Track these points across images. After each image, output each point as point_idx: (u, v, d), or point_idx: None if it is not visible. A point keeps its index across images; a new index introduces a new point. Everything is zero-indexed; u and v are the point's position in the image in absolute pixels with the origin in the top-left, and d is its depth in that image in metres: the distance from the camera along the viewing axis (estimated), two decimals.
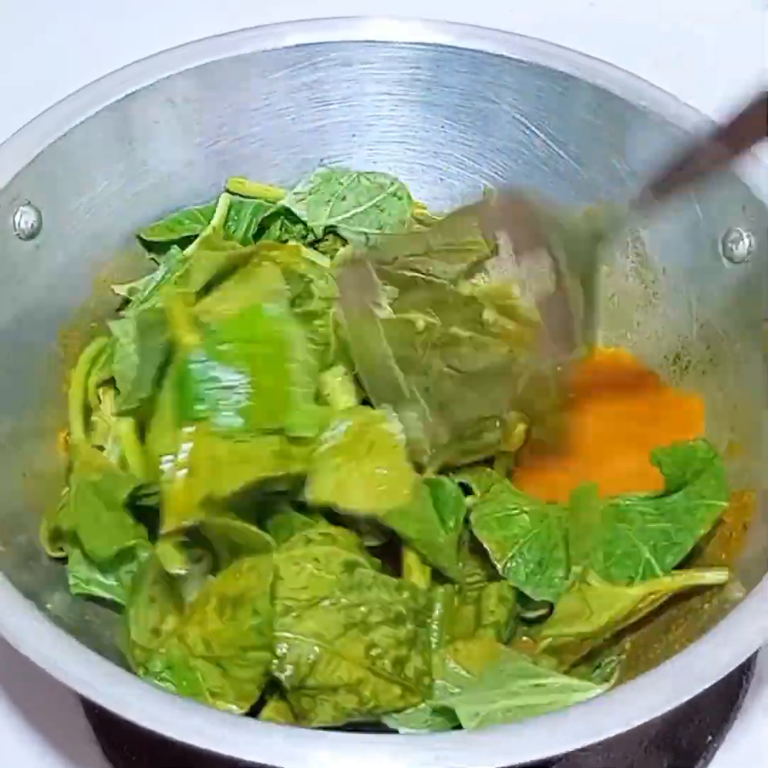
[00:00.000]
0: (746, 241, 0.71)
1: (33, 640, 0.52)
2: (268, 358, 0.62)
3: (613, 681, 0.60)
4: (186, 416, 0.60)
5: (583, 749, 0.49)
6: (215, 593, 0.58)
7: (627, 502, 0.67)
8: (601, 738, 0.49)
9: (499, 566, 0.64)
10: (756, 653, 0.55)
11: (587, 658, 0.64)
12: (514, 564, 0.64)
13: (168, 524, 0.58)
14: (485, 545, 0.64)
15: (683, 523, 0.65)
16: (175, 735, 0.48)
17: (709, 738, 0.69)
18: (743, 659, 0.53)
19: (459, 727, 0.55)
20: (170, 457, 0.59)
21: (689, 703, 0.51)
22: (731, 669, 0.52)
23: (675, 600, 0.64)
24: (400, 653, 0.59)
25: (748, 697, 0.71)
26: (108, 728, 0.67)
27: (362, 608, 0.58)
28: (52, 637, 0.53)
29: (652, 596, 0.62)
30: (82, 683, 0.51)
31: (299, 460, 0.61)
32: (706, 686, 0.51)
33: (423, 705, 0.58)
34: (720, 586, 0.62)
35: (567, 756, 0.49)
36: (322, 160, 0.84)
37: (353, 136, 0.84)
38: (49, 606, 0.57)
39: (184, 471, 0.58)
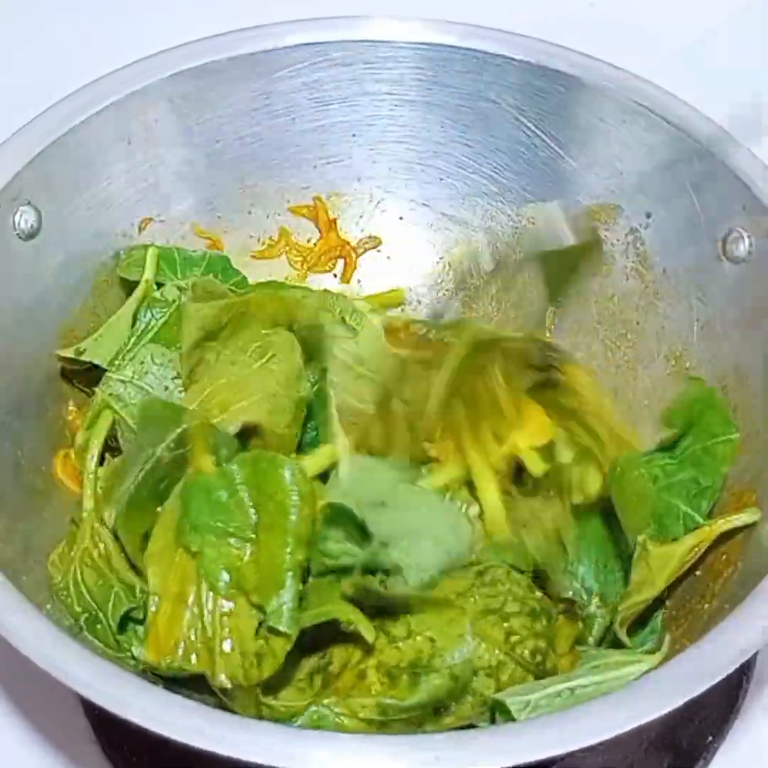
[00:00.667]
0: (746, 241, 0.71)
1: (33, 640, 0.52)
2: (274, 522, 0.60)
3: (664, 648, 0.60)
4: (180, 541, 0.60)
5: (583, 749, 0.49)
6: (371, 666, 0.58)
7: (644, 459, 0.68)
8: (602, 738, 0.49)
9: None
10: (756, 653, 0.55)
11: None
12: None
13: (148, 656, 0.58)
14: None
15: (706, 466, 0.67)
16: (175, 735, 0.48)
17: (709, 738, 0.69)
18: (743, 659, 0.53)
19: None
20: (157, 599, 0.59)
21: (689, 703, 0.51)
22: (731, 669, 0.52)
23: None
24: (538, 644, 0.60)
25: (748, 697, 0.71)
26: (108, 728, 0.68)
27: (499, 597, 0.60)
28: (52, 637, 0.53)
29: (697, 548, 0.64)
30: (82, 683, 0.51)
31: (275, 654, 0.58)
32: (706, 686, 0.51)
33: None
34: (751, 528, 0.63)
35: (567, 756, 0.49)
36: (322, 159, 0.84)
37: (353, 136, 0.84)
38: (49, 606, 0.57)
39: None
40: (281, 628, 0.57)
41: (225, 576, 0.59)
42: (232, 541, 0.59)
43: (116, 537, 0.64)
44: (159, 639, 0.59)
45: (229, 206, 0.83)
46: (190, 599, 0.59)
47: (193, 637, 0.58)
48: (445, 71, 0.80)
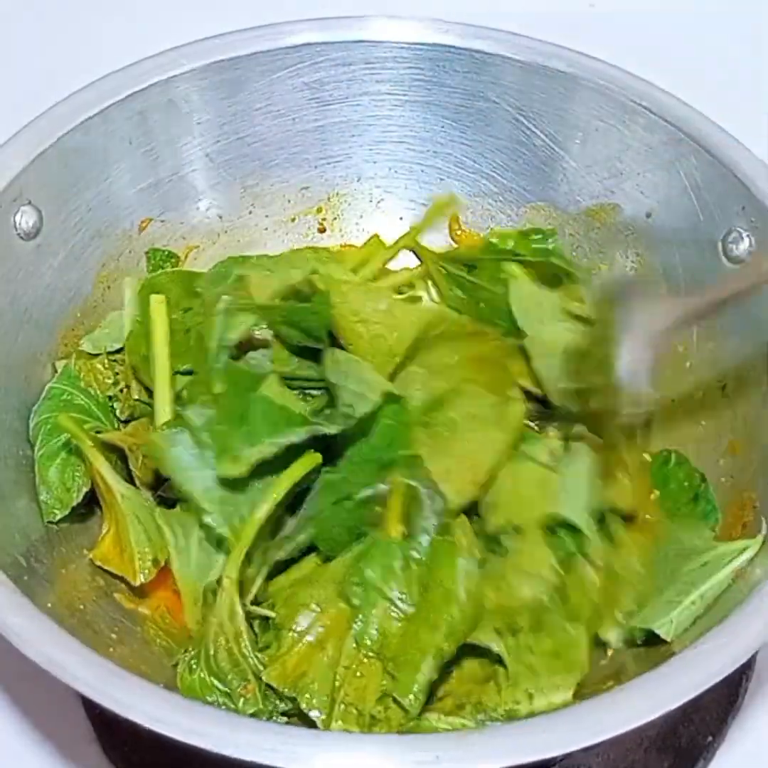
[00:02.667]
0: (746, 241, 0.71)
1: (33, 640, 0.52)
2: (435, 607, 0.61)
3: (764, 531, 0.63)
4: (344, 590, 0.61)
5: (583, 749, 0.49)
6: None
7: None
8: (602, 738, 0.49)
9: None
10: (756, 653, 0.55)
11: None
12: None
13: (270, 676, 0.60)
14: None
15: None
16: (175, 735, 0.48)
17: (709, 738, 0.69)
18: (743, 659, 0.53)
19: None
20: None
21: (689, 703, 0.51)
22: (731, 669, 0.52)
23: None
24: None
25: (748, 697, 0.71)
26: (108, 728, 0.68)
27: None
28: (52, 637, 0.53)
29: None
30: (82, 683, 0.51)
31: (390, 724, 0.60)
32: (706, 686, 0.51)
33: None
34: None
35: (567, 756, 0.49)
36: (322, 159, 0.84)
37: (353, 136, 0.84)
38: (49, 606, 0.57)
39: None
40: (406, 706, 0.58)
41: (374, 636, 0.60)
42: (389, 607, 0.61)
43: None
44: (286, 667, 0.60)
45: (230, 205, 0.83)
46: (330, 645, 0.60)
47: (318, 680, 0.60)
48: (444, 71, 0.81)
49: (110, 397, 0.73)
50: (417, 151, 0.85)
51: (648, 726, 0.50)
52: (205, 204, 0.82)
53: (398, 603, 0.61)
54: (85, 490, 0.68)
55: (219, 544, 0.64)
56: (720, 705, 0.70)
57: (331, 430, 0.64)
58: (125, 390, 0.73)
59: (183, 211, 0.81)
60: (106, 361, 0.74)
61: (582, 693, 0.60)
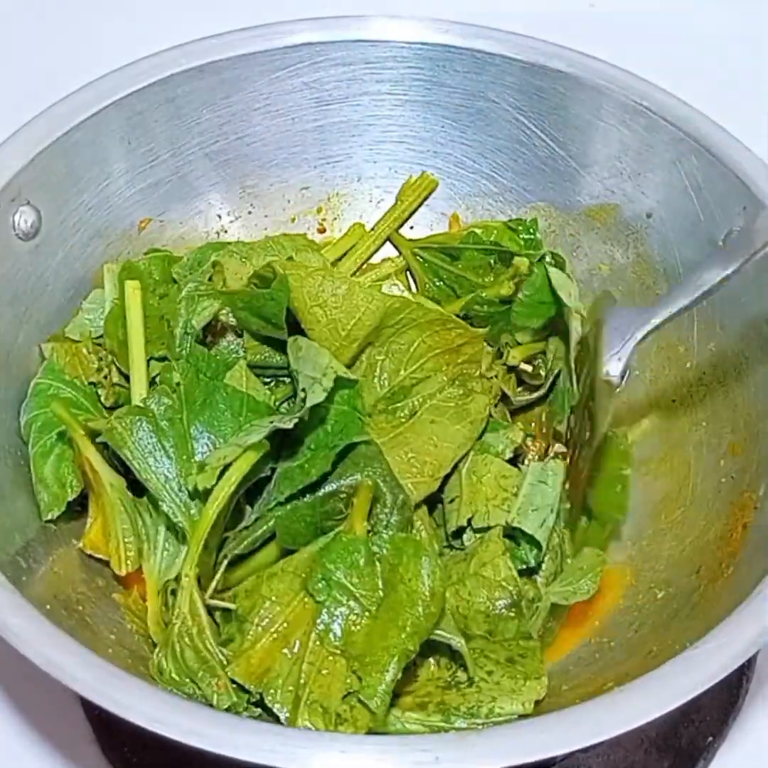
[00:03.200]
0: None
1: (33, 640, 0.52)
2: (399, 605, 0.60)
3: None
4: (309, 585, 0.61)
5: (583, 750, 0.49)
6: None
7: None
8: (601, 738, 0.49)
9: None
10: (756, 653, 0.55)
11: None
12: None
13: (235, 672, 0.59)
14: None
15: None
16: (175, 736, 0.48)
17: (709, 738, 0.69)
18: (743, 660, 0.53)
19: None
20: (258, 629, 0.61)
21: (689, 703, 0.51)
22: (731, 669, 0.52)
23: None
24: None
25: (748, 697, 0.71)
26: (108, 728, 0.68)
27: None
28: (52, 637, 0.53)
29: None
30: (82, 683, 0.51)
31: (356, 725, 0.60)
32: (706, 686, 0.51)
33: None
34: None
35: (567, 756, 0.49)
36: (322, 159, 0.84)
37: (353, 136, 0.84)
38: (48, 607, 0.57)
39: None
40: (372, 707, 0.58)
41: (338, 633, 0.60)
42: (353, 605, 0.61)
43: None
44: (251, 663, 0.60)
45: (229, 205, 0.83)
46: (295, 642, 0.60)
47: (283, 676, 0.59)
48: (445, 71, 0.80)
49: (94, 384, 0.73)
50: (417, 151, 0.85)
51: (648, 726, 0.50)
52: (204, 204, 0.82)
53: (362, 600, 0.60)
54: (79, 487, 0.67)
55: (182, 537, 0.64)
56: (720, 705, 0.70)
57: (287, 425, 0.62)
58: (108, 376, 0.73)
59: (182, 211, 0.81)
60: (89, 345, 0.73)
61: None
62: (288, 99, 0.81)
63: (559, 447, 0.71)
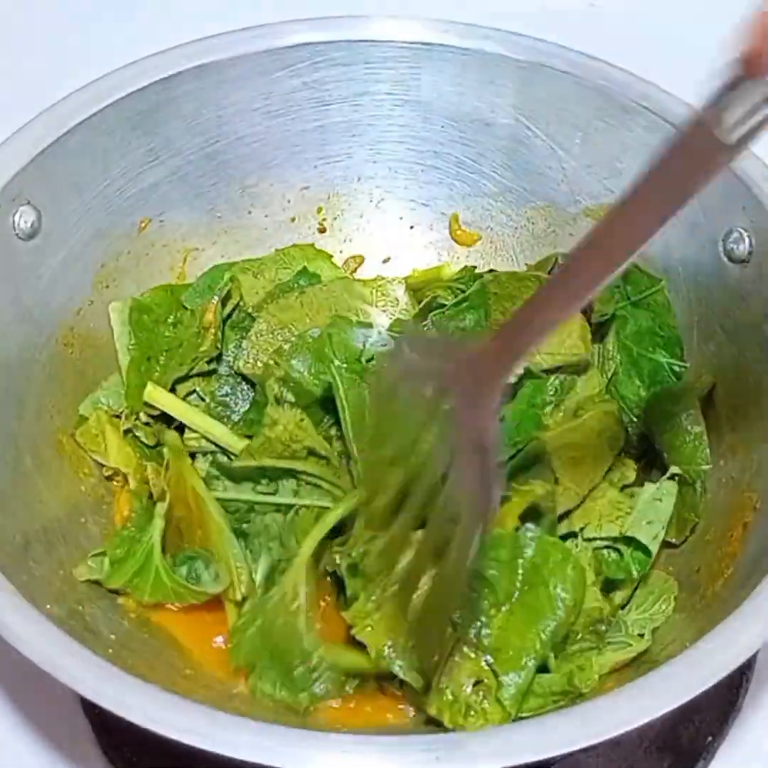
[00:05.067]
0: (746, 241, 0.71)
1: (33, 640, 0.52)
2: (538, 607, 0.61)
3: None
4: None
5: (583, 750, 0.49)
6: None
7: None
8: (601, 739, 0.49)
9: None
10: (756, 653, 0.55)
11: None
12: None
13: (358, 632, 0.60)
14: None
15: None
16: (174, 736, 0.48)
17: (709, 738, 0.69)
18: (743, 659, 0.53)
19: None
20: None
21: (689, 703, 0.51)
22: (731, 669, 0.52)
23: None
24: None
25: (748, 697, 0.71)
26: (108, 728, 0.68)
27: None
28: (52, 637, 0.53)
29: None
30: (82, 683, 0.51)
31: (486, 718, 0.60)
32: (706, 686, 0.51)
33: None
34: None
35: (567, 756, 0.49)
36: (322, 159, 0.84)
37: (353, 136, 0.84)
38: (48, 606, 0.57)
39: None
40: (506, 704, 0.58)
41: (477, 624, 0.60)
42: (489, 595, 0.61)
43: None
44: (377, 635, 0.60)
45: (229, 206, 0.83)
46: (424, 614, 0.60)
47: (408, 650, 0.59)
48: (444, 71, 0.80)
49: (129, 431, 0.74)
50: (417, 151, 0.85)
51: (648, 726, 0.50)
52: (204, 204, 0.82)
53: (498, 593, 0.61)
54: None
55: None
56: (720, 705, 0.70)
57: None
58: (138, 419, 0.74)
59: (182, 212, 0.81)
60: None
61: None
62: (288, 99, 0.81)
63: (673, 469, 0.71)
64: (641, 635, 0.64)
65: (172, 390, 0.74)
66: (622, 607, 0.67)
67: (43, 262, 0.71)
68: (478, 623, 0.60)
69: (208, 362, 0.74)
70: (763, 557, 0.60)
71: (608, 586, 0.67)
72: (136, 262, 0.79)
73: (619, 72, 0.77)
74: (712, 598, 0.62)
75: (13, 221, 0.69)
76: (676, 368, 0.75)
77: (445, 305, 0.76)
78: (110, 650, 0.59)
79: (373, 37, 0.80)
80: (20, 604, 0.54)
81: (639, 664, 0.62)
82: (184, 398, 0.73)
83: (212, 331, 0.73)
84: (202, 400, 0.74)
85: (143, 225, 0.79)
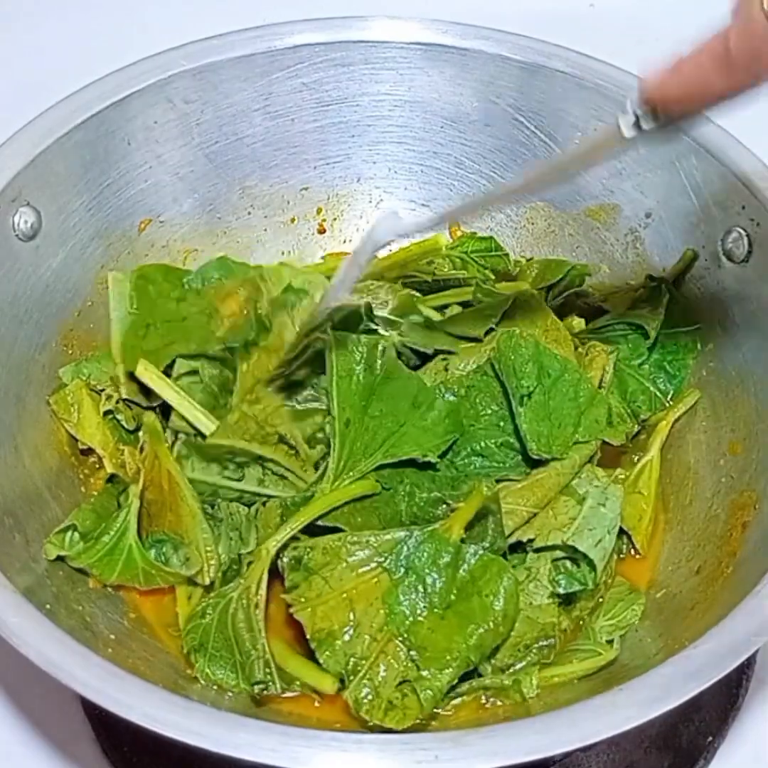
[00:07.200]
0: (746, 241, 0.71)
1: (33, 640, 0.52)
2: (471, 614, 0.62)
3: None
4: (387, 567, 0.63)
5: (583, 749, 0.49)
6: None
7: None
8: (601, 738, 0.49)
9: None
10: (756, 653, 0.55)
11: None
12: None
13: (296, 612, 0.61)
14: None
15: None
16: (174, 735, 0.48)
17: (709, 738, 0.69)
18: (743, 659, 0.53)
19: None
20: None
21: (689, 703, 0.51)
22: (731, 668, 0.52)
23: None
24: None
25: (748, 697, 0.71)
26: (108, 728, 0.68)
27: None
28: (52, 637, 0.53)
29: None
30: (82, 683, 0.51)
31: (406, 714, 0.61)
32: (706, 686, 0.51)
33: None
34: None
35: (567, 756, 0.49)
36: (322, 160, 0.84)
37: (352, 136, 0.84)
38: (48, 606, 0.57)
39: None
40: (423, 701, 0.59)
41: (406, 617, 0.61)
42: (424, 597, 0.62)
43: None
44: (315, 613, 0.61)
45: (229, 206, 0.83)
46: (364, 618, 0.61)
47: (341, 640, 0.61)
48: (444, 71, 0.80)
49: (110, 412, 0.73)
50: (417, 151, 0.85)
51: (648, 726, 0.50)
52: (204, 205, 0.82)
53: (433, 597, 0.61)
54: None
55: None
56: (720, 705, 0.70)
57: None
58: (120, 401, 0.73)
59: (182, 212, 0.81)
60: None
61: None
62: (287, 100, 0.81)
63: (619, 471, 0.71)
64: (610, 642, 0.65)
65: (172, 363, 0.73)
66: (590, 614, 0.67)
67: (42, 263, 0.71)
68: (410, 620, 0.61)
69: (222, 350, 0.73)
70: (763, 557, 0.60)
71: (568, 598, 0.67)
72: (136, 263, 0.79)
73: (619, 72, 0.77)
74: (712, 598, 0.62)
75: (13, 222, 0.69)
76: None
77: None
78: (110, 650, 0.59)
79: (372, 38, 0.80)
80: (20, 604, 0.54)
81: (634, 666, 0.62)
82: (181, 376, 0.72)
83: (233, 320, 0.73)
84: (201, 381, 0.73)
85: (143, 225, 0.79)
